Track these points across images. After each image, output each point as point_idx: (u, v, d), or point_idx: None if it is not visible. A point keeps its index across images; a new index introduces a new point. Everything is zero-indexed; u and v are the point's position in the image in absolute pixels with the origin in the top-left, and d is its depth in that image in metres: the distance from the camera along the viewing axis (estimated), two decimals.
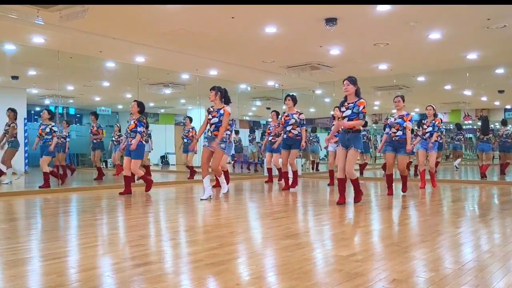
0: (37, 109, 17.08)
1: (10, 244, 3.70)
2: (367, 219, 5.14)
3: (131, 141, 7.47)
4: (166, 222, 5.09)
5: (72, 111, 17.20)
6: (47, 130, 8.69)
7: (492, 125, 11.18)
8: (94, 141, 11.21)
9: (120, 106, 17.71)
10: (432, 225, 4.62)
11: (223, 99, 6.86)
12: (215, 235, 4.21)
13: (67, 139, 11.87)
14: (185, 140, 11.21)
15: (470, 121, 17.95)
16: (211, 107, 6.96)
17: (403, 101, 7.34)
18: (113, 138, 12.29)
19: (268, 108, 18.66)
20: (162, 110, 18.68)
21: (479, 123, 12.23)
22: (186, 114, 17.39)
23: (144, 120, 7.69)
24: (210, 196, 6.85)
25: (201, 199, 6.78)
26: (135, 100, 7.78)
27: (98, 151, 11.31)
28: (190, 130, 11.23)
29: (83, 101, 16.69)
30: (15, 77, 12.39)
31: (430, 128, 8.34)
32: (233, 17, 7.46)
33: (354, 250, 3.39)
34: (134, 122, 7.55)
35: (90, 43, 8.92)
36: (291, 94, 8.46)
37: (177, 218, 5.34)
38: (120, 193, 7.53)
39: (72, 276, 2.79)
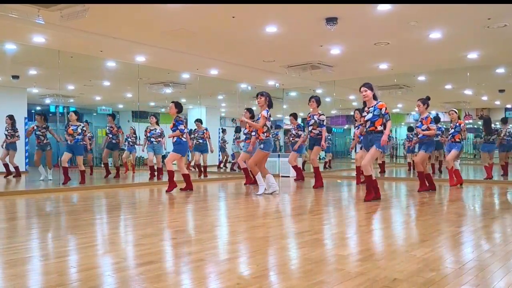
0: (38, 108, 17.09)
1: (10, 244, 3.71)
2: (368, 219, 5.14)
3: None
4: (167, 222, 5.09)
5: (72, 111, 17.19)
6: (79, 130, 9.35)
7: (493, 125, 11.21)
8: (113, 141, 11.33)
9: (120, 106, 17.71)
10: (433, 225, 4.62)
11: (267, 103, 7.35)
12: (215, 234, 4.21)
13: (93, 139, 12.54)
14: (201, 141, 11.62)
15: (470, 121, 17.95)
16: None
17: (423, 104, 7.73)
18: (129, 139, 12.52)
19: None
20: (163, 110, 18.66)
21: (479, 123, 12.22)
22: (186, 114, 17.39)
23: (181, 118, 8.04)
24: (265, 189, 7.26)
25: (257, 194, 7.26)
26: (172, 101, 8.07)
27: (116, 151, 11.49)
28: (205, 131, 11.60)
29: (84, 100, 16.69)
30: (15, 77, 12.40)
31: (452, 130, 8.71)
32: (233, 17, 7.46)
33: (355, 249, 3.39)
34: (173, 122, 7.91)
35: (91, 43, 8.92)
36: (315, 95, 8.84)
37: (177, 218, 5.34)
38: (181, 189, 8.07)
39: (72, 275, 2.79)
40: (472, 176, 12.50)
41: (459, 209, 6.00)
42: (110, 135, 11.40)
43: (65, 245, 3.68)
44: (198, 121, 11.92)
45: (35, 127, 10.19)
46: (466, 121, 15.01)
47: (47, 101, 15.65)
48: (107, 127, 11.64)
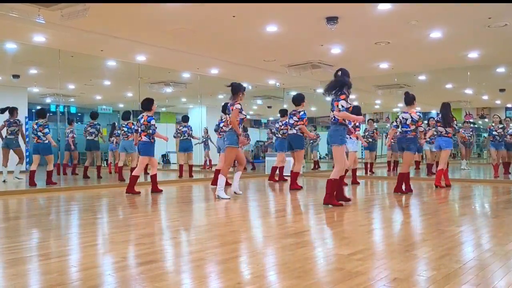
0: (38, 107, 17.10)
1: (11, 243, 3.71)
2: (368, 218, 5.14)
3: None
4: (167, 221, 5.10)
5: (73, 110, 17.20)
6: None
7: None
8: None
9: (121, 105, 17.71)
10: (433, 224, 4.62)
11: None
12: (216, 234, 4.21)
13: (66, 138, 12.12)
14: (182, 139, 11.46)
15: (471, 120, 17.92)
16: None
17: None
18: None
19: (269, 107, 18.64)
20: (163, 109, 18.68)
21: (480, 122, 12.18)
22: (187, 113, 17.38)
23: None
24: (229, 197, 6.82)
25: (218, 196, 6.79)
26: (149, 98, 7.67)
27: (98, 151, 11.38)
28: (187, 129, 11.38)
29: (84, 100, 16.70)
30: (16, 76, 12.41)
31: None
32: (234, 16, 7.46)
33: (355, 249, 3.38)
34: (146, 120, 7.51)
35: (91, 42, 8.92)
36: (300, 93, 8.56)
37: (178, 217, 5.34)
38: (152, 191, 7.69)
39: (73, 274, 2.80)
40: (473, 175, 12.49)
41: (459, 208, 6.00)
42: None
43: (65, 245, 3.69)
44: (184, 118, 11.72)
45: (6, 122, 9.54)
46: (467, 121, 14.98)
47: (48, 100, 15.65)
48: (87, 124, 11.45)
